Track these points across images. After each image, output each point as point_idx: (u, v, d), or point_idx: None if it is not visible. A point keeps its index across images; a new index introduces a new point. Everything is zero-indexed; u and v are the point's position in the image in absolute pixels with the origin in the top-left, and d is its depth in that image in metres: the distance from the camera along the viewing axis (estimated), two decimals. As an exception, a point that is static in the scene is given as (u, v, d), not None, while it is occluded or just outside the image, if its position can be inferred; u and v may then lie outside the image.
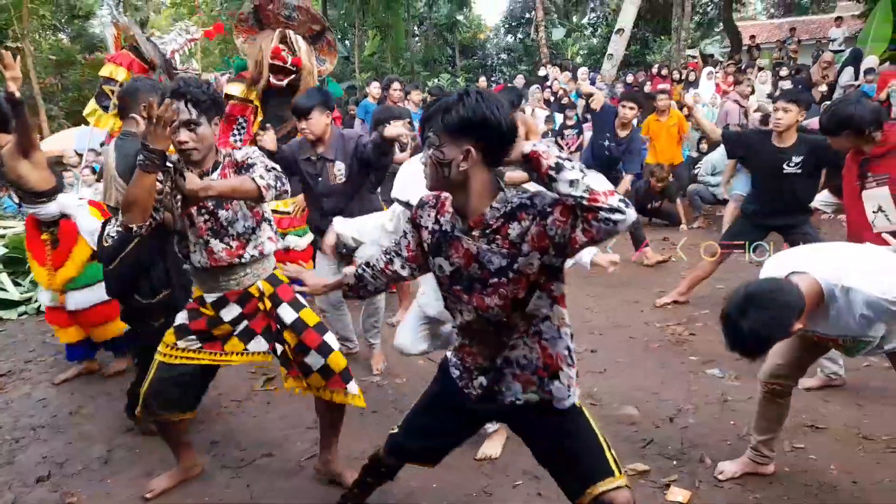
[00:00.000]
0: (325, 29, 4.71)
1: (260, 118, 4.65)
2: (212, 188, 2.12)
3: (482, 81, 13.21)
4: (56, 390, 3.83)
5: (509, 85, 11.50)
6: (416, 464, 2.14)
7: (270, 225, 2.48)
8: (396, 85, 7.72)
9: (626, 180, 5.86)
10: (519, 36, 27.97)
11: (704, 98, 10.38)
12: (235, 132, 4.63)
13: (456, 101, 1.56)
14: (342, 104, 10.13)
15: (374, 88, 8.54)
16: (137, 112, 2.83)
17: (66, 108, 19.46)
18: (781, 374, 2.46)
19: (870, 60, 10.16)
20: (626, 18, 14.19)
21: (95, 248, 3.54)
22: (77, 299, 3.72)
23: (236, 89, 4.60)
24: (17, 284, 5.75)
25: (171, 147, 2.18)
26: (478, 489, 2.56)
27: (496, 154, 1.58)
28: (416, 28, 27.62)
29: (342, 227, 3.09)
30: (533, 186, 1.76)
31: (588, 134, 7.15)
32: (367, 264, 2.01)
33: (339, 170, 3.43)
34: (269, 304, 2.44)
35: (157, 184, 2.15)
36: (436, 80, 19.65)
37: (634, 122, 6.06)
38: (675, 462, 2.72)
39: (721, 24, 21.43)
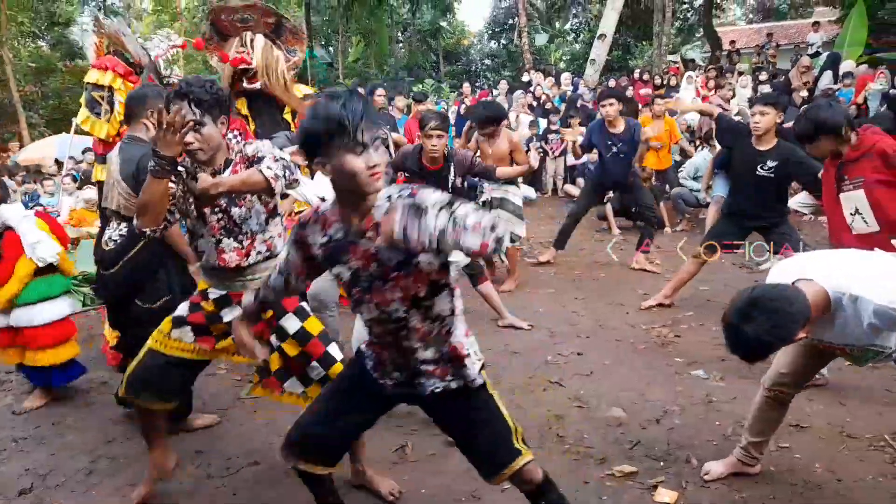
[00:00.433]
0: (280, 18, 4.68)
1: (252, 127, 4.62)
2: (221, 184, 2.14)
3: (466, 87, 13.26)
4: (38, 401, 3.76)
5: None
6: (315, 464, 1.99)
7: (281, 221, 2.47)
8: (380, 91, 7.74)
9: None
10: (502, 42, 28.15)
11: (686, 102, 10.50)
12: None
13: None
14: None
15: (359, 95, 8.54)
16: (145, 118, 2.82)
17: (47, 115, 19.26)
18: (786, 382, 2.44)
19: (847, 65, 10.35)
20: (608, 24, 14.35)
21: (38, 263, 3.45)
22: (19, 316, 3.52)
23: None
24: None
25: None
26: (466, 493, 2.55)
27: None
28: (399, 34, 27.70)
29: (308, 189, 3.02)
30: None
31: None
32: (268, 287, 2.00)
33: None
34: (270, 313, 2.41)
35: (171, 185, 2.18)
36: (420, 87, 19.68)
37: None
38: (661, 463, 2.74)
39: (701, 29, 21.73)
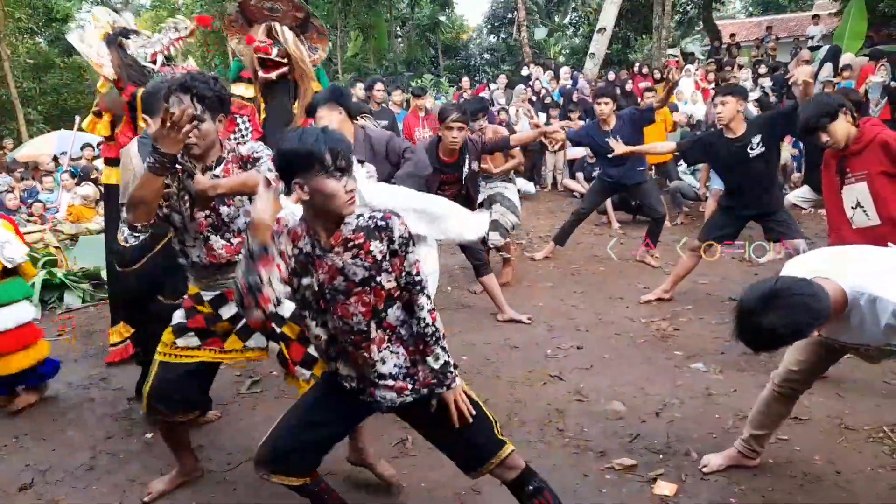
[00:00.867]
0: (310, 14, 4.68)
1: (263, 115, 4.60)
2: (220, 186, 2.15)
3: (465, 81, 13.21)
4: (38, 397, 3.77)
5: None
6: (287, 476, 2.02)
7: None
8: (379, 86, 7.72)
9: None
10: (501, 36, 28.07)
11: (685, 95, 10.49)
12: (237, 132, 4.58)
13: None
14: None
15: (359, 90, 8.55)
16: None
17: (45, 112, 19.17)
18: (796, 378, 2.42)
19: (847, 58, 10.31)
20: (608, 18, 14.28)
21: (6, 263, 3.38)
22: None
23: (239, 90, 4.56)
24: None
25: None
26: (466, 487, 2.56)
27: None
28: (398, 29, 27.61)
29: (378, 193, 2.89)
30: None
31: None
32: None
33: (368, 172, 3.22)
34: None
35: (167, 183, 2.19)
36: (419, 81, 19.63)
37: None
38: (661, 456, 2.74)
39: (701, 22, 21.66)
